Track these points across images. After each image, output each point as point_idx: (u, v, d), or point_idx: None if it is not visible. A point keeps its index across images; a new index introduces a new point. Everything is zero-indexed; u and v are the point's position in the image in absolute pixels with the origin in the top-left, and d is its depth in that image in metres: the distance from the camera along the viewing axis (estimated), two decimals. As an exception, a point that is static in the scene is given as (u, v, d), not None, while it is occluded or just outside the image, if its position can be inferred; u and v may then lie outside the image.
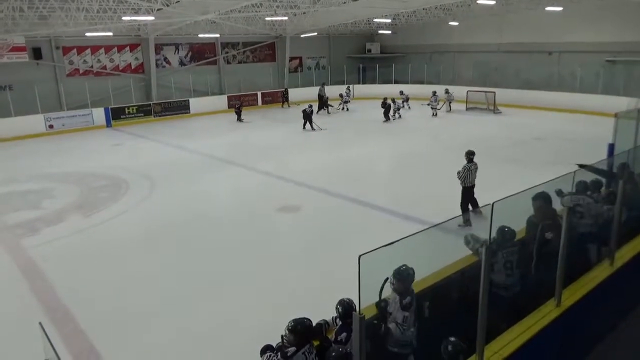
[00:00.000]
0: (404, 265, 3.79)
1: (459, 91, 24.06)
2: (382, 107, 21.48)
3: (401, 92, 24.61)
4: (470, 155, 9.28)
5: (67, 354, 5.41)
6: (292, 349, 3.33)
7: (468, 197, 9.07)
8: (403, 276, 3.78)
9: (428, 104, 22.53)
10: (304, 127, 19.61)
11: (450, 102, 23.45)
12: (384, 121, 21.21)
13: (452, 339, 3.46)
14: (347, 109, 24.78)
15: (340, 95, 25.06)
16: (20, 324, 5.99)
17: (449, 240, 4.02)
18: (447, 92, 23.64)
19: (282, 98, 27.57)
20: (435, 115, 22.23)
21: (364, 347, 2.98)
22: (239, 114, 22.81)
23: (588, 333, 5.01)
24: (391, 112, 21.56)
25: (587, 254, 5.62)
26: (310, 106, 20.16)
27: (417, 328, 3.83)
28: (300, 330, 3.48)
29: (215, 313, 6.36)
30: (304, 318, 3.58)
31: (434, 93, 22.61)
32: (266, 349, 3.67)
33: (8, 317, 6.42)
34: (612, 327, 5.36)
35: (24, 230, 9.75)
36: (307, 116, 19.60)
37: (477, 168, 9.26)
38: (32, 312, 6.41)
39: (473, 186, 9.13)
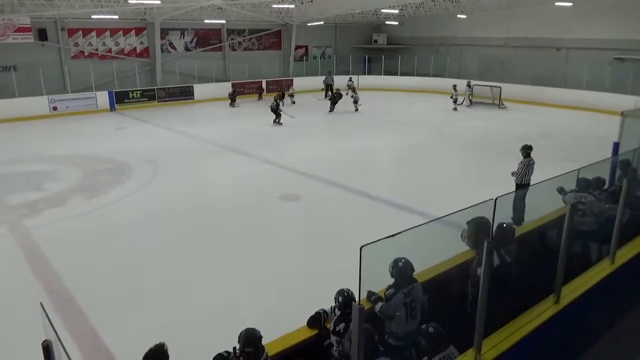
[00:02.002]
0: (403, 258, 3.77)
1: (464, 85, 23.93)
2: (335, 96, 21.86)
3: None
4: (527, 150, 8.49)
5: (67, 335, 5.44)
6: None
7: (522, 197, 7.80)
8: (397, 264, 3.76)
9: (451, 97, 22.20)
10: (277, 122, 18.51)
11: (470, 96, 23.27)
12: (329, 111, 21.54)
13: (432, 324, 3.52)
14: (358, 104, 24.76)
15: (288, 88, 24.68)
16: (21, 303, 6.03)
17: (451, 234, 4.01)
18: (468, 85, 23.36)
19: (258, 90, 26.36)
20: (455, 109, 21.95)
21: (363, 337, 2.98)
22: (233, 99, 23.21)
23: (586, 330, 5.02)
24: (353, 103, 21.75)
25: (587, 251, 5.62)
26: (276, 100, 18.81)
27: (420, 322, 3.79)
28: (251, 344, 3.33)
29: (216, 299, 6.40)
30: (254, 330, 3.40)
31: (455, 87, 22.30)
32: (217, 358, 3.54)
33: (9, 297, 6.47)
34: (611, 325, 5.37)
35: (27, 210, 9.79)
36: (274, 111, 18.42)
37: (534, 163, 8.40)
38: (33, 292, 6.44)
39: (528, 184, 8.22)
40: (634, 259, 5.49)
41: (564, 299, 4.46)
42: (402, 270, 3.74)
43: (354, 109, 21.72)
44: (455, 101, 22.11)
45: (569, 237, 4.32)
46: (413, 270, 3.81)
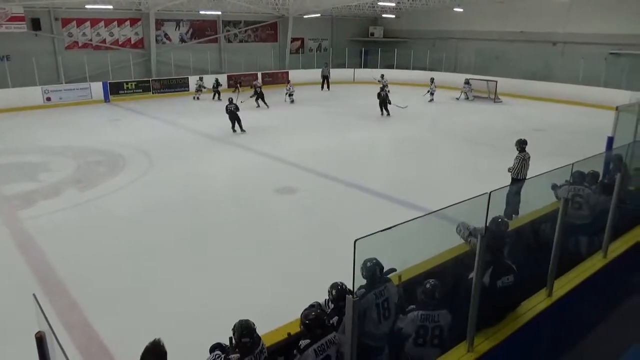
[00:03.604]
0: (374, 259, 3.73)
1: (460, 79, 23.96)
2: (378, 98, 19.03)
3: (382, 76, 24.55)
4: (522, 144, 8.43)
5: (60, 327, 5.44)
6: (236, 356, 3.25)
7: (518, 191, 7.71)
8: (366, 265, 3.70)
9: (428, 91, 22.57)
10: (234, 129, 15.81)
11: (469, 92, 23.39)
12: (386, 115, 18.92)
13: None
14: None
15: (252, 86, 22.13)
16: (14, 295, 6.01)
17: (446, 228, 4.03)
18: (467, 82, 23.54)
19: (235, 84, 24.25)
20: (431, 100, 22.25)
21: (356, 330, 3.00)
22: (217, 93, 22.77)
23: (579, 323, 5.06)
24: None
25: (581, 245, 5.66)
26: (231, 101, 15.84)
27: (393, 322, 3.80)
28: (247, 334, 3.28)
29: (211, 292, 6.40)
30: (247, 321, 3.35)
31: (432, 80, 22.62)
32: (215, 347, 3.52)
33: (2, 289, 6.44)
34: (603, 318, 5.42)
35: (20, 201, 9.74)
36: (234, 115, 15.70)
37: (530, 157, 8.36)
38: (26, 284, 6.43)
39: (524, 179, 8.11)
40: (626, 253, 5.54)
41: (556, 292, 4.50)
42: (370, 270, 3.72)
43: (289, 101, 21.91)
44: (431, 93, 22.41)
45: (563, 231, 4.35)
46: (383, 269, 3.79)
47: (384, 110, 18.97)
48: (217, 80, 23.37)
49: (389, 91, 19.30)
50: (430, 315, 3.65)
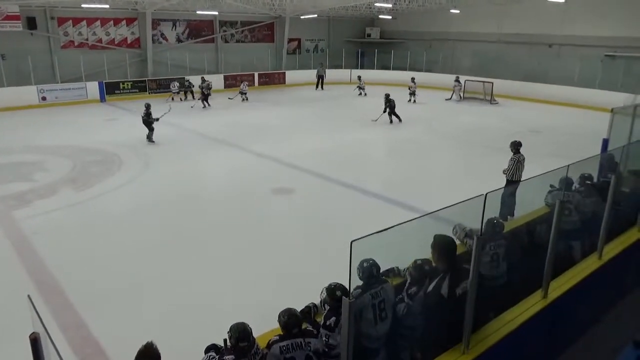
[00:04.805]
0: (371, 259, 3.71)
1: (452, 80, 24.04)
2: (386, 103, 17.77)
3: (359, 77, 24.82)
4: (517, 146, 8.42)
5: (55, 328, 5.42)
6: (231, 357, 3.25)
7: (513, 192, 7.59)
8: (363, 265, 3.67)
9: (409, 89, 22.47)
10: (148, 139, 14.68)
11: (457, 90, 23.43)
12: (398, 121, 17.87)
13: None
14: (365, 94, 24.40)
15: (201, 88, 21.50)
16: (8, 296, 5.98)
17: (442, 229, 4.03)
18: (457, 80, 23.59)
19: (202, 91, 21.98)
20: (413, 102, 22.15)
21: (353, 332, 2.99)
22: (191, 93, 22.49)
23: (574, 325, 5.08)
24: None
25: (576, 248, 5.67)
26: (147, 108, 14.65)
27: (391, 324, 3.76)
28: (244, 338, 3.29)
29: (207, 293, 6.39)
30: (244, 324, 3.35)
31: (413, 79, 22.61)
32: (210, 348, 3.56)
33: (-4, 289, 6.41)
34: (598, 319, 5.44)
35: (16, 201, 9.68)
36: (146, 123, 14.66)
37: (524, 159, 8.37)
38: (20, 285, 6.40)
39: (519, 180, 8.12)
40: (621, 254, 5.56)
41: (551, 293, 4.51)
42: (367, 270, 3.69)
43: (245, 99, 22.25)
44: (411, 93, 22.29)
45: (558, 233, 4.36)
46: (380, 270, 3.77)
47: (394, 118, 17.86)
48: (189, 81, 23.16)
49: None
50: (425, 286, 3.76)
